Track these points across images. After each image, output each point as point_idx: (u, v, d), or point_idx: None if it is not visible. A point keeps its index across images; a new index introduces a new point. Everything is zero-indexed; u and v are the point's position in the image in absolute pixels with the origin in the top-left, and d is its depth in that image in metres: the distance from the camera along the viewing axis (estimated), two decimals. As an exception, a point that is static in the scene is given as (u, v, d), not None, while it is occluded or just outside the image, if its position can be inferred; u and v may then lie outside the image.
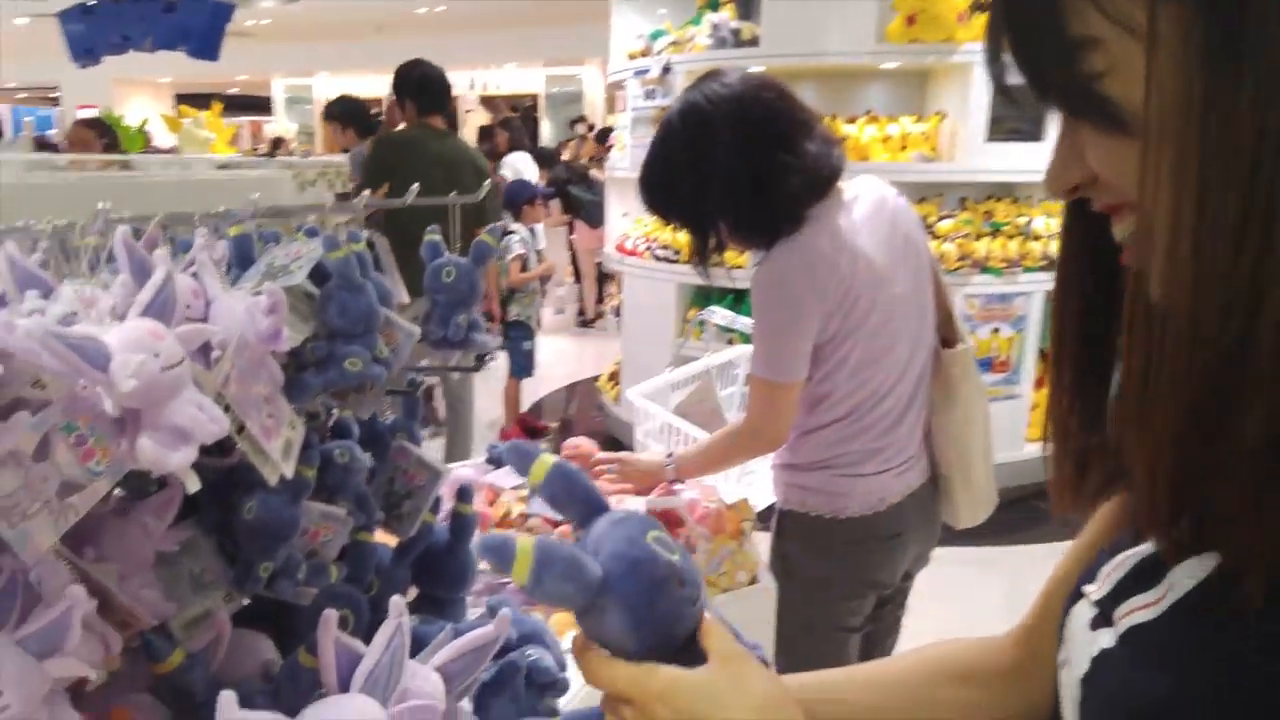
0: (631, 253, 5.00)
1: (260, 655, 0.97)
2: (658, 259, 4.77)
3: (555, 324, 8.01)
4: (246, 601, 0.95)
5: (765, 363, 1.68)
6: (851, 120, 4.47)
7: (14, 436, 0.61)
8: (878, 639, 1.89)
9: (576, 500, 0.65)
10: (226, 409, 0.77)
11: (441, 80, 3.93)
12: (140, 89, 13.82)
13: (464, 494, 1.20)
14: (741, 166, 1.61)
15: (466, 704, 1.09)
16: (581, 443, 2.06)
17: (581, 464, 1.95)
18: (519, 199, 5.33)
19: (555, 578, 0.58)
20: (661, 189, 1.73)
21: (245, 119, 12.98)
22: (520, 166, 7.02)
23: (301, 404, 0.92)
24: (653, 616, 0.60)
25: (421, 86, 3.88)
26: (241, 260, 0.93)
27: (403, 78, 3.90)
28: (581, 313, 8.29)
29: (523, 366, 5.11)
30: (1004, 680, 0.79)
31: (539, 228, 5.42)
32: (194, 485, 0.71)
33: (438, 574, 1.19)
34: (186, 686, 0.86)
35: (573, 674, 1.13)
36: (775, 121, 1.62)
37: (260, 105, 14.37)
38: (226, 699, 0.74)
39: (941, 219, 4.41)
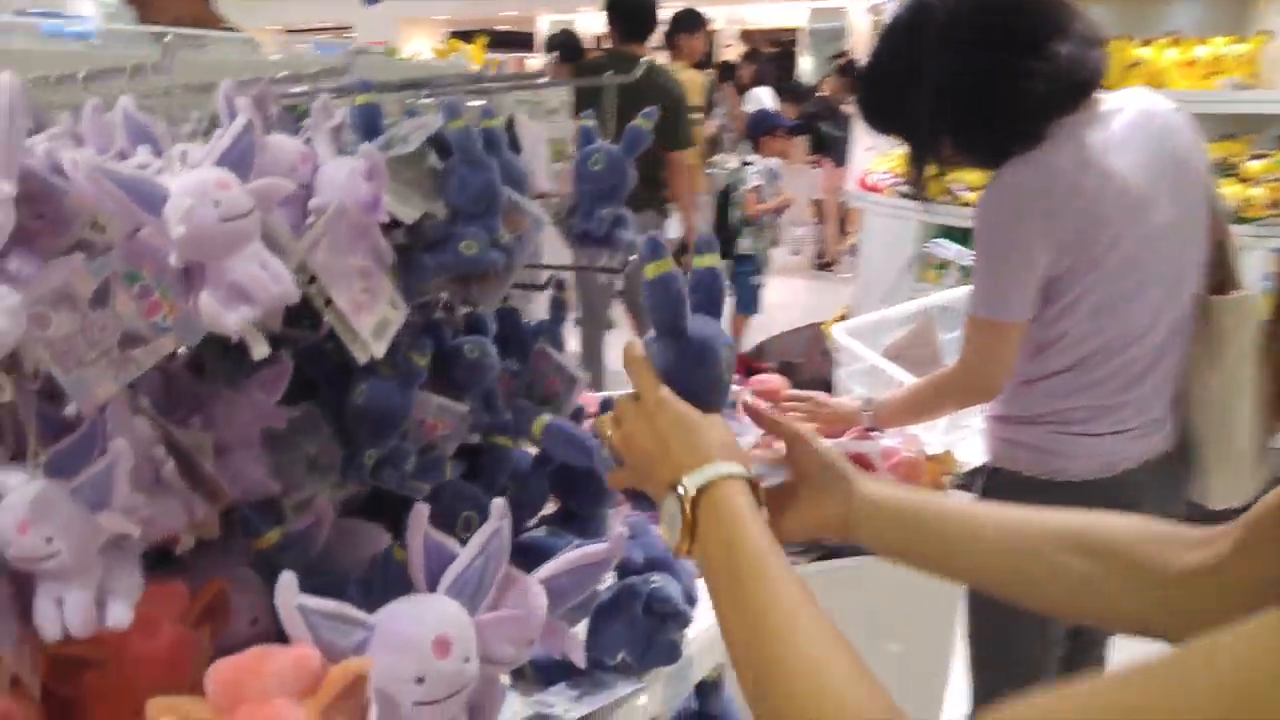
0: (873, 189, 4.68)
1: (374, 547, 0.95)
2: (901, 195, 4.43)
3: (791, 265, 7.77)
4: (358, 489, 0.93)
5: (984, 298, 1.46)
6: (1147, 43, 3.87)
7: (64, 273, 0.58)
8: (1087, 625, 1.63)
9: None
10: (312, 280, 0.73)
11: (646, 9, 3.89)
12: (422, 27, 14.83)
13: (607, 406, 1.12)
14: (970, 71, 1.38)
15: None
16: (770, 379, 1.93)
17: (770, 398, 1.82)
18: (758, 129, 5.15)
19: (662, 295, 0.74)
20: (878, 96, 1.54)
21: (509, 55, 13.58)
22: (765, 100, 6.80)
23: (416, 287, 0.87)
24: (685, 376, 0.75)
25: (627, 13, 3.87)
26: (369, 132, 0.88)
27: (612, 3, 3.88)
28: (820, 255, 7.99)
29: (749, 303, 4.98)
30: (1155, 576, 0.70)
31: (776, 162, 5.21)
32: (261, 350, 0.67)
33: (577, 487, 1.12)
34: (281, 565, 0.84)
35: (699, 610, 1.03)
36: (1020, 19, 1.38)
37: (524, 42, 14.96)
38: (286, 580, 0.70)
39: (1252, 158, 3.73)
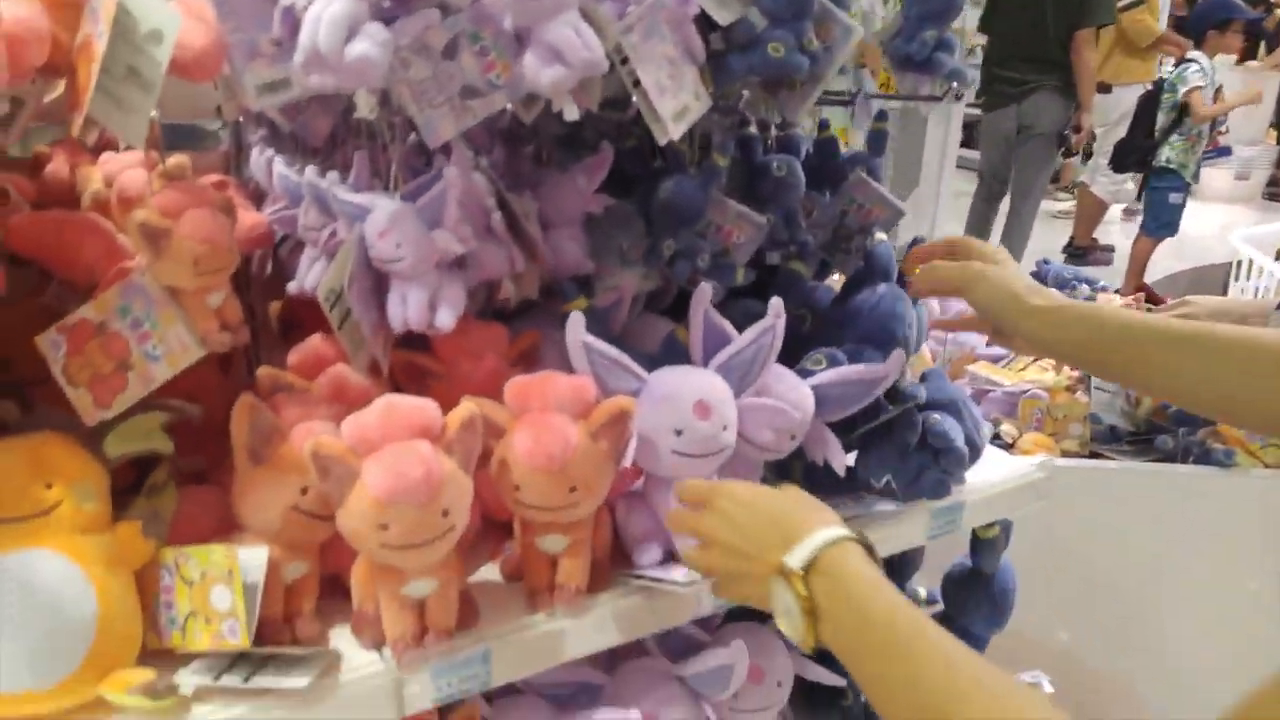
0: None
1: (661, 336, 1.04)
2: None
3: (1233, 190, 6.58)
4: (657, 287, 1.01)
5: None
6: None
7: (421, 24, 0.71)
8: None
9: None
10: (624, 60, 0.80)
11: None
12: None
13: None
14: None
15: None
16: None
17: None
18: (1206, 21, 4.38)
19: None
20: None
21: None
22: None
23: (724, 88, 0.91)
24: None
25: None
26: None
27: None
28: (1273, 181, 6.69)
29: (1162, 222, 4.35)
30: None
31: (1209, 61, 4.35)
32: (571, 112, 0.76)
33: (873, 326, 1.12)
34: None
35: (986, 467, 1.01)
36: None
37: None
38: (575, 318, 0.82)
39: None
